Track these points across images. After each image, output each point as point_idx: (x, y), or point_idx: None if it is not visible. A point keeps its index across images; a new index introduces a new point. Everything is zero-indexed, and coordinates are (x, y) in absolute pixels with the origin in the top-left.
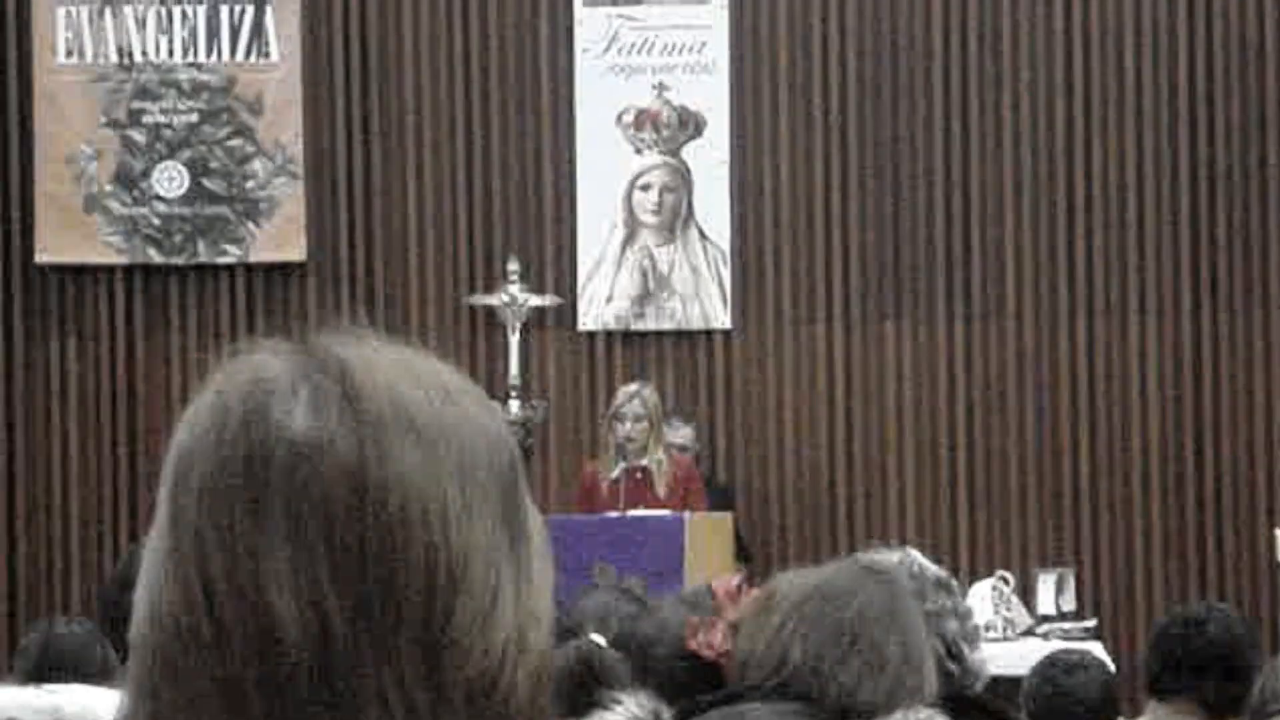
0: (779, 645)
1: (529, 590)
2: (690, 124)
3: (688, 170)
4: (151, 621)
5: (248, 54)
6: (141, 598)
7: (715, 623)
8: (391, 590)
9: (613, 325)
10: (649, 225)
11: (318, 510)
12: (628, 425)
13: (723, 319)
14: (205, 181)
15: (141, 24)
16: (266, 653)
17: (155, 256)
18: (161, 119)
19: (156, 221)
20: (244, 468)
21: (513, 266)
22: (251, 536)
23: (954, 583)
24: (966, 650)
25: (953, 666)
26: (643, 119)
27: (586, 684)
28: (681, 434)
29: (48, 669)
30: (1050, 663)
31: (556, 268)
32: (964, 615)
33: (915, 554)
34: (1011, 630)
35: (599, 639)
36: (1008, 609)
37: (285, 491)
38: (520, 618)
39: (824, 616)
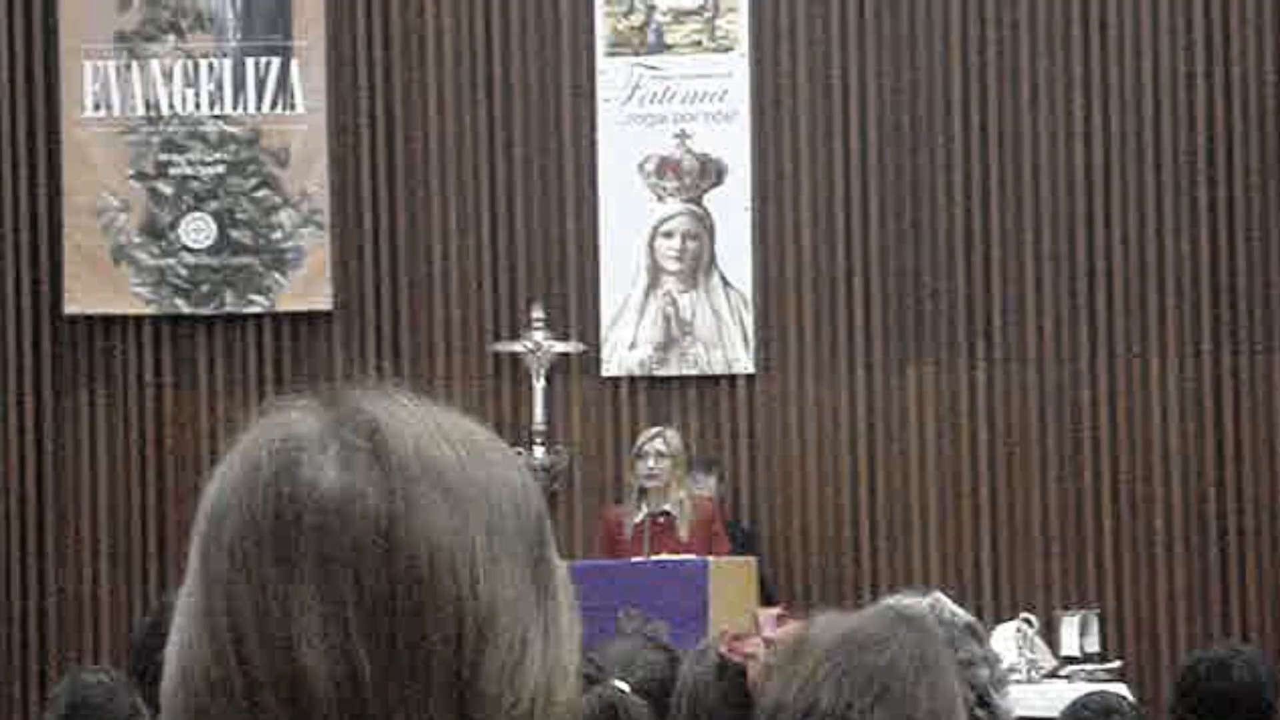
0: (809, 692)
1: (556, 642)
2: (712, 171)
3: (710, 217)
4: (183, 675)
5: (273, 106)
6: (173, 651)
7: (749, 635)
8: (421, 642)
9: (636, 371)
10: (672, 272)
11: (347, 564)
12: (650, 462)
13: (745, 364)
14: (232, 232)
15: (168, 77)
16: (298, 704)
17: (183, 307)
18: (188, 171)
19: (184, 272)
20: (274, 523)
21: (537, 314)
22: (281, 590)
23: (982, 628)
24: (996, 697)
25: (982, 714)
26: (665, 167)
27: None
28: (704, 486)
29: (78, 716)
30: (1082, 705)
31: (580, 314)
32: (993, 662)
33: (944, 599)
34: (1035, 672)
35: (623, 685)
36: (1031, 651)
37: (315, 546)
38: (548, 669)
39: (855, 664)
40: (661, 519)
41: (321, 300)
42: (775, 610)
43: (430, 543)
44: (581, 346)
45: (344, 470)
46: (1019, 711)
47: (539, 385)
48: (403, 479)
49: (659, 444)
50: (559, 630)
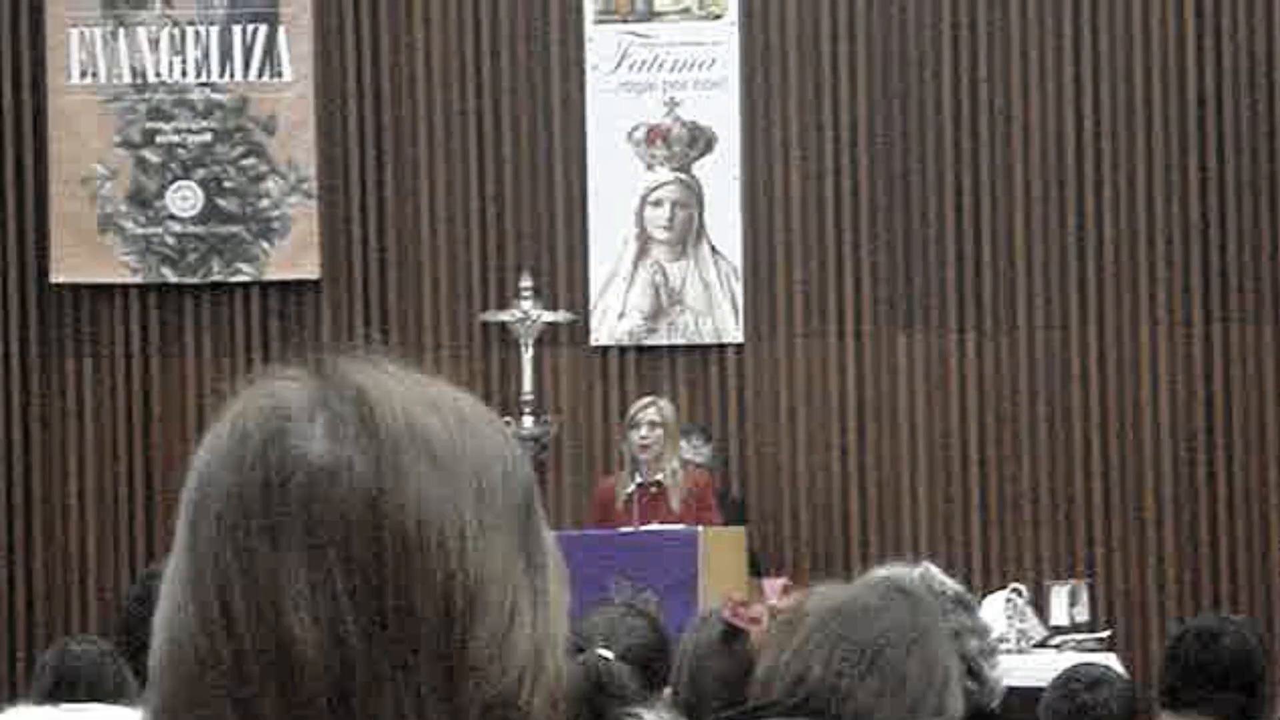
0: (800, 661)
1: (545, 613)
2: (701, 140)
3: (699, 186)
4: (171, 645)
5: (260, 73)
6: (161, 622)
7: (754, 602)
8: (409, 612)
9: (625, 340)
10: (661, 241)
11: (335, 533)
12: (642, 430)
13: (735, 333)
14: (219, 201)
15: (155, 45)
16: (285, 675)
17: (170, 275)
18: (175, 139)
19: (171, 241)
20: (262, 492)
21: (525, 283)
22: (270, 560)
23: (972, 599)
24: (986, 668)
25: (972, 684)
26: (654, 135)
27: (595, 699)
28: (702, 452)
29: (63, 688)
30: (1071, 677)
31: (569, 284)
32: (983, 632)
33: (934, 570)
34: (1025, 642)
35: (607, 653)
36: (1021, 621)
37: (303, 515)
38: (537, 640)
39: (846, 635)
40: (654, 489)
41: (309, 269)
42: (781, 580)
43: (419, 513)
44: (570, 316)
45: (332, 440)
46: (1009, 682)
47: (527, 354)
48: (391, 448)
49: (652, 413)
50: (547, 600)
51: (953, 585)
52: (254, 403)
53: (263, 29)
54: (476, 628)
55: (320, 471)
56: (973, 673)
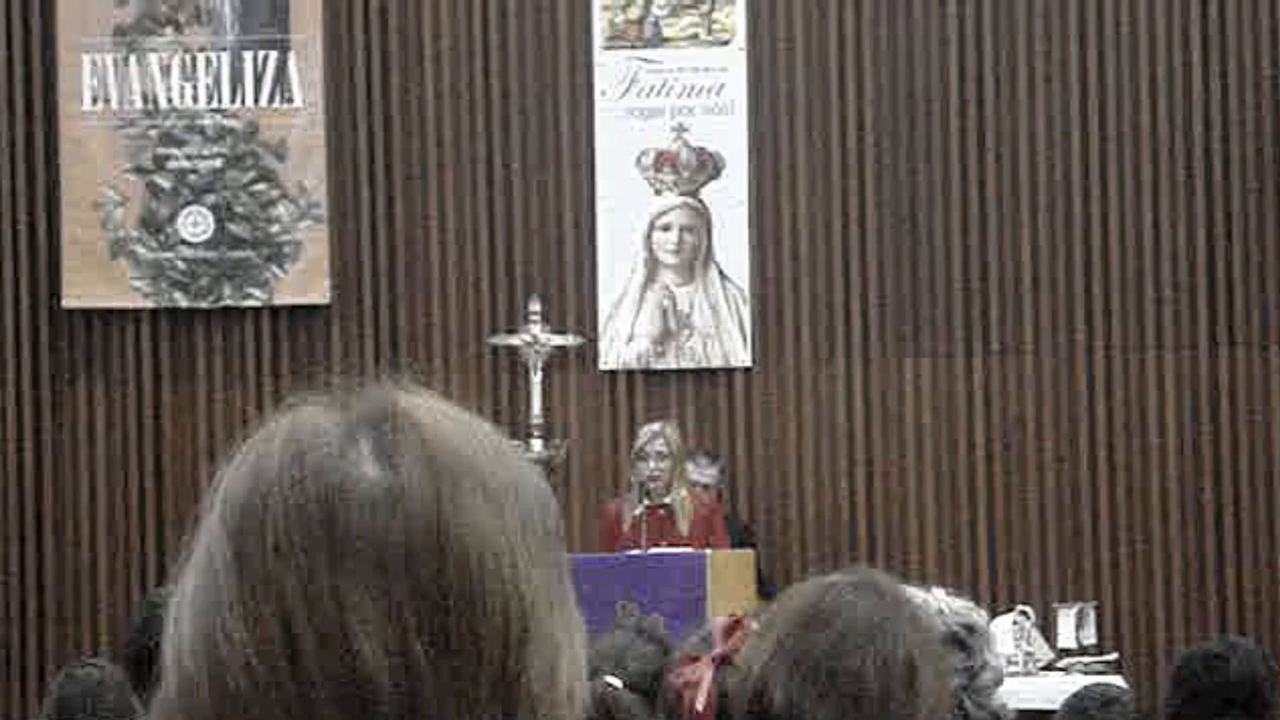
0: (761, 684)
1: (573, 639)
2: (709, 165)
3: (707, 210)
4: (214, 674)
5: (271, 99)
6: (190, 646)
7: (700, 665)
8: (474, 641)
9: (634, 364)
10: (669, 265)
11: (399, 558)
12: (651, 464)
13: (743, 357)
14: (230, 226)
15: (166, 71)
16: (352, 701)
17: (181, 300)
18: (186, 164)
19: (182, 266)
20: (323, 515)
21: (534, 307)
22: (334, 584)
23: (983, 625)
24: (989, 698)
25: (981, 715)
26: (662, 160)
27: None
28: (708, 473)
29: (68, 711)
30: (1084, 696)
31: (578, 308)
32: (976, 670)
33: (942, 596)
34: (1033, 665)
35: (615, 681)
36: (1028, 643)
37: (367, 538)
38: (573, 670)
39: (804, 651)
40: (661, 511)
41: (319, 294)
42: (727, 618)
43: (477, 540)
44: (579, 340)
45: (388, 466)
46: (1016, 704)
47: (536, 378)
48: (448, 476)
49: (659, 445)
50: (575, 631)
51: (956, 615)
52: (300, 426)
53: (273, 55)
54: (531, 657)
55: (382, 498)
56: (980, 704)
